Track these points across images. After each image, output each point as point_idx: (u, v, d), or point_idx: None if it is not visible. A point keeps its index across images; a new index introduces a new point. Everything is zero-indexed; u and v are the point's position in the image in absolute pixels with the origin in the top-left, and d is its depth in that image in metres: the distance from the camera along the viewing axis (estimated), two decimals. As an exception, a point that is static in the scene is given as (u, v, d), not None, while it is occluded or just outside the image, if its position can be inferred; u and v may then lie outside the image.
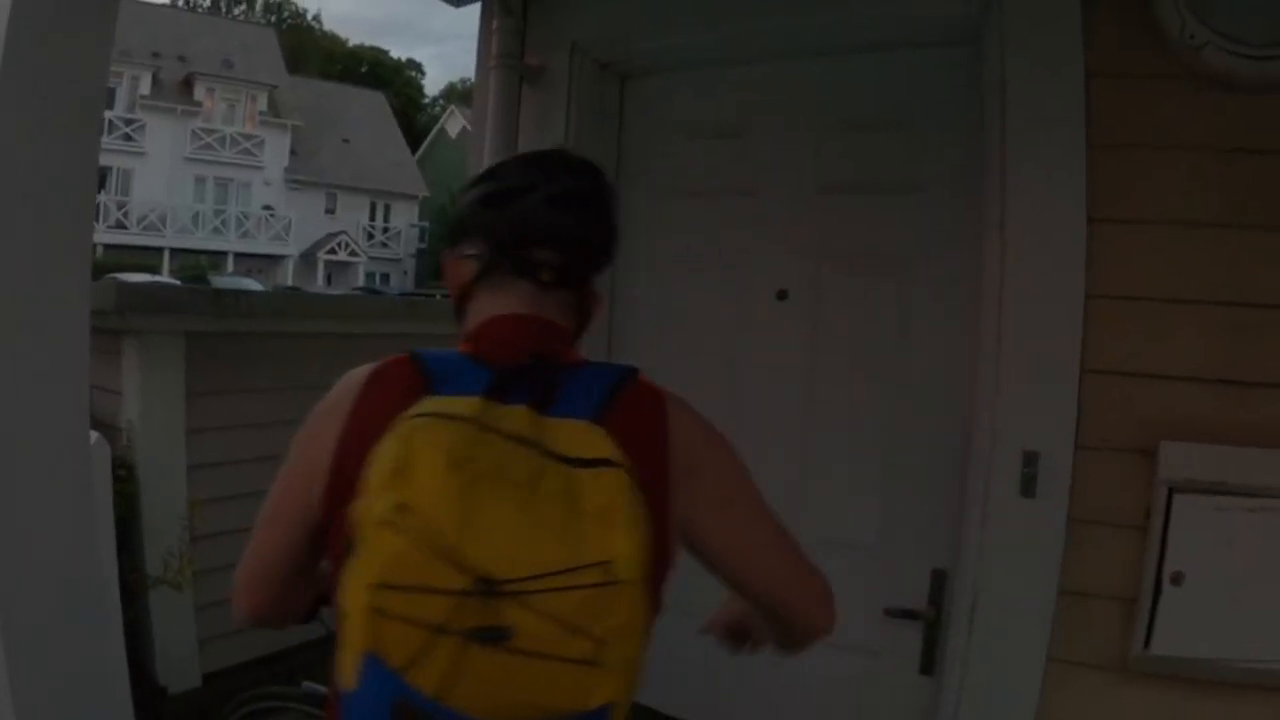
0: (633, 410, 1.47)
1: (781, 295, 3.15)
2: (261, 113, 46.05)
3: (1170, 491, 2.33)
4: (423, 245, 50.53)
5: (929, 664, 2.86)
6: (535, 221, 1.60)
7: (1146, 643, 2.37)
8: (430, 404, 1.40)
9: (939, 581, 2.83)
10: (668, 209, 3.43)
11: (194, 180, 43.59)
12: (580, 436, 1.37)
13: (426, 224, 50.60)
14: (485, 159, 3.32)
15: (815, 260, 3.11)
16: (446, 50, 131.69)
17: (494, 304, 1.60)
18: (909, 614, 2.87)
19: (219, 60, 45.07)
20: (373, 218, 50.44)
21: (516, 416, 1.38)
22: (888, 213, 2.99)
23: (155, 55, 42.44)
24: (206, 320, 5.01)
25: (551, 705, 1.30)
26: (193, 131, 43.53)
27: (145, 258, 36.05)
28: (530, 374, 1.45)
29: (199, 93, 44.42)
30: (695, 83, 3.39)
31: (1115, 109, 2.49)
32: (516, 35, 3.33)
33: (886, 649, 2.95)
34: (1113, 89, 2.50)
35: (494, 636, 1.27)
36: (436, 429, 1.35)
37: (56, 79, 2.24)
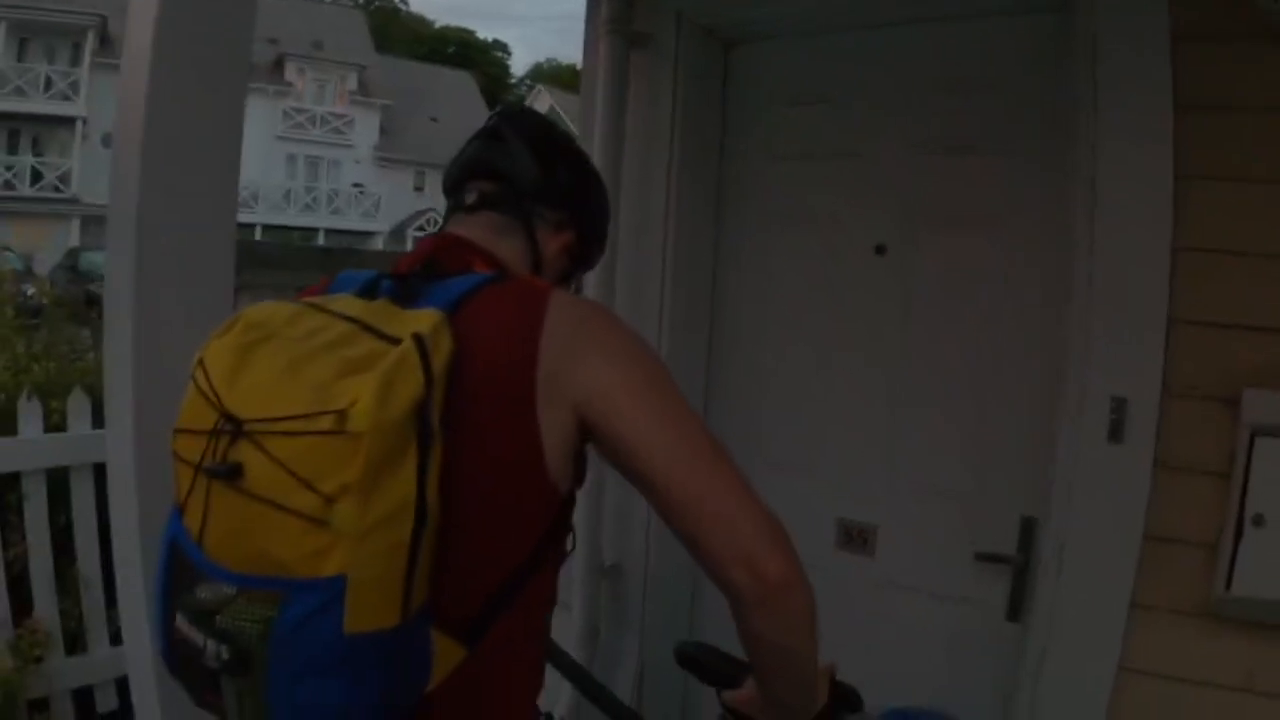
0: (495, 304, 1.48)
1: (879, 250, 3.27)
2: (351, 92, 46.47)
3: (1252, 435, 2.41)
4: (512, 222, 50.53)
5: (1016, 610, 2.95)
6: (460, 158, 1.83)
7: (1228, 584, 2.43)
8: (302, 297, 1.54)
9: (1028, 528, 2.92)
10: (770, 170, 3.56)
11: (285, 158, 44.10)
12: (413, 320, 1.37)
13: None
14: (596, 125, 3.45)
15: (910, 218, 3.22)
16: (531, 31, 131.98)
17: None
18: (998, 559, 2.97)
19: (309, 42, 45.50)
20: (462, 195, 50.54)
21: (356, 303, 1.44)
22: (980, 172, 3.09)
23: (248, 37, 42.93)
24: (313, 277, 5.14)
25: (284, 561, 1.24)
26: (284, 111, 44.03)
27: (239, 233, 36.56)
28: (409, 278, 1.55)
29: (290, 73, 44.94)
30: (796, 49, 3.50)
31: (1201, 70, 2.56)
32: (625, 2, 3.44)
33: (975, 595, 3.06)
34: (1199, 51, 2.56)
35: (224, 472, 1.26)
36: (265, 305, 1.44)
37: (209, 39, 2.37)
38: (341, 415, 1.22)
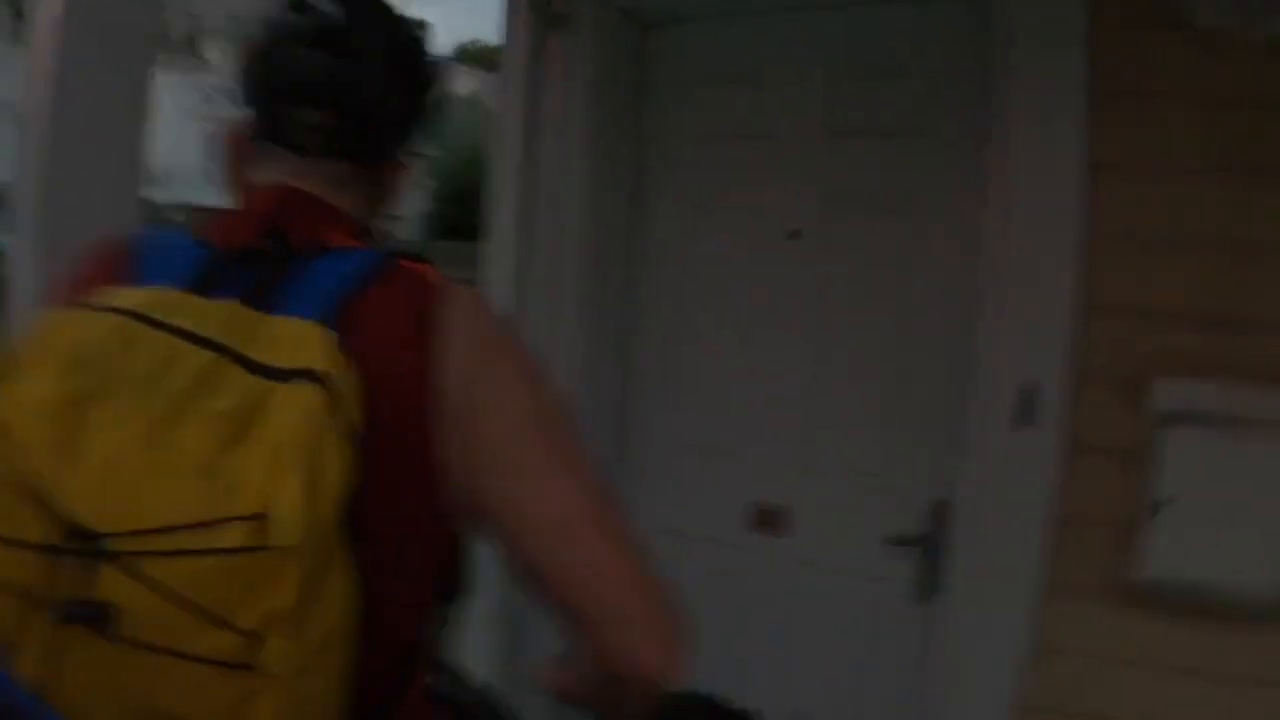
0: (383, 310, 1.13)
1: (793, 235, 3.27)
2: (271, 69, 45.88)
3: (1162, 421, 2.46)
4: (430, 205, 50.33)
5: (928, 590, 2.98)
6: (288, 64, 1.25)
7: (1138, 565, 2.50)
8: (105, 297, 1.05)
9: (939, 510, 2.95)
10: (685, 153, 3.54)
11: (203, 137, 43.43)
12: (291, 338, 1.01)
13: (435, 184, 50.45)
14: (512, 106, 3.42)
15: (825, 202, 3.22)
16: (454, 11, 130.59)
17: (253, 179, 1.28)
18: (909, 541, 3.00)
19: (228, 16, 44.78)
20: (380, 177, 50.16)
21: (209, 311, 1.03)
22: (895, 157, 3.10)
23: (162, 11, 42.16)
24: None
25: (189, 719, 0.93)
26: (201, 88, 43.35)
27: (151, 212, 35.97)
28: (256, 260, 1.14)
29: (207, 49, 44.23)
30: (712, 32, 3.48)
31: (1115, 61, 2.60)
32: (544, -19, 3.41)
33: (887, 575, 3.07)
34: (1113, 42, 2.60)
35: (87, 616, 0.89)
36: (75, 321, 1.01)
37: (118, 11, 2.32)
38: (259, 523, 0.88)
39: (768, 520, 3.34)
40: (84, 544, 0.88)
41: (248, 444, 0.91)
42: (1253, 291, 2.50)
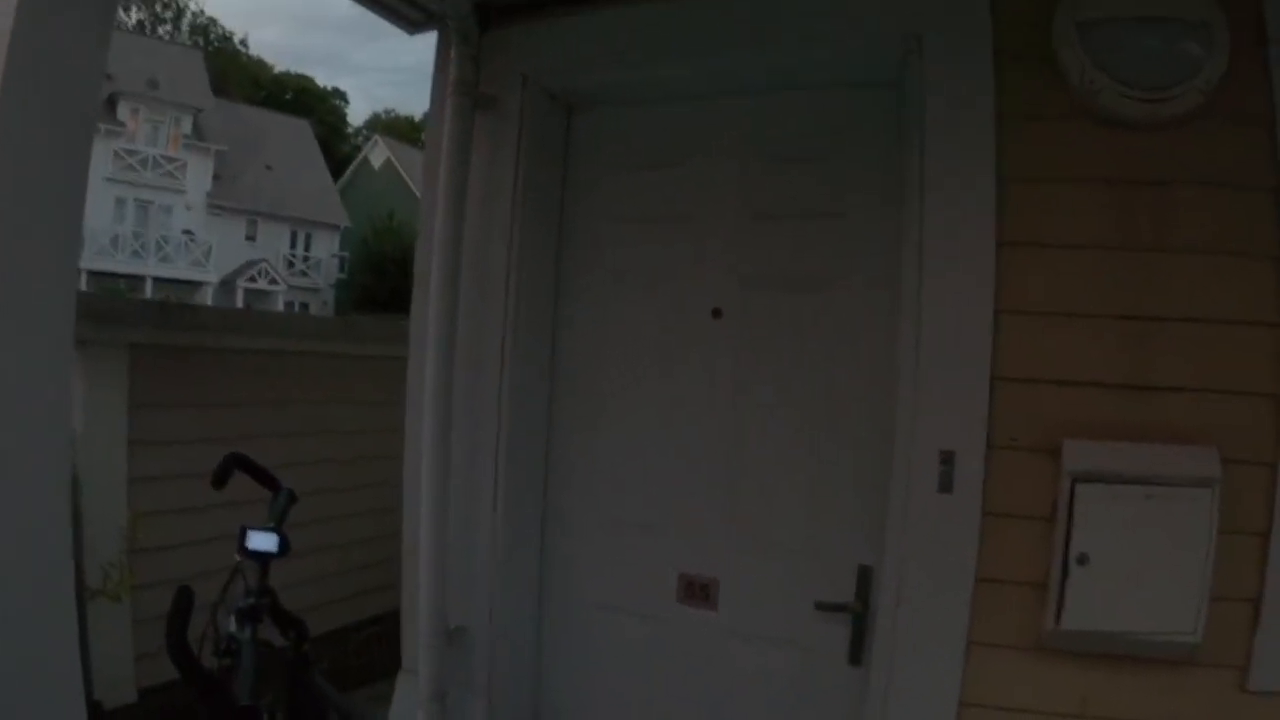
0: None
1: (716, 313, 3.36)
2: (185, 135, 45.08)
3: (1074, 481, 2.59)
4: (343, 275, 49.87)
5: (857, 655, 3.04)
6: None
7: (1058, 619, 2.61)
8: None
9: (865, 576, 3.03)
10: (609, 232, 3.63)
11: (114, 201, 42.58)
12: None
13: (347, 254, 50.02)
14: (439, 184, 3.46)
15: (747, 281, 3.32)
16: (370, 81, 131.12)
17: None
18: (838, 607, 3.06)
19: (144, 80, 44.04)
20: (293, 246, 49.36)
21: None
22: (814, 237, 3.22)
23: (77, 75, 41.41)
24: (151, 333, 4.96)
25: None
26: (115, 152, 42.46)
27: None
28: None
29: (123, 113, 43.43)
30: (637, 116, 3.59)
31: (1022, 145, 2.76)
32: (472, 63, 3.48)
33: (817, 643, 3.15)
34: (1020, 127, 2.77)
35: None
36: None
37: (57, 80, 2.34)
38: None
39: (696, 593, 3.38)
40: None
41: None
42: (1156, 359, 2.65)
